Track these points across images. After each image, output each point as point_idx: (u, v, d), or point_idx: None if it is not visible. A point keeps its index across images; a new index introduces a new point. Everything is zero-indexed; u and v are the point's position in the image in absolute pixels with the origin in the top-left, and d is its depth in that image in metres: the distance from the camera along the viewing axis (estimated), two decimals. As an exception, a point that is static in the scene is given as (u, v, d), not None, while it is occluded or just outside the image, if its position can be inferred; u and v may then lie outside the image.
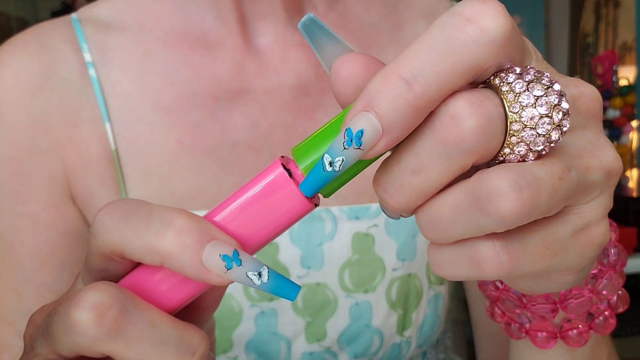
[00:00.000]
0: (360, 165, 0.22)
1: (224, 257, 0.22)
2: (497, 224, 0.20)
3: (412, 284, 0.48)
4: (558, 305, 0.30)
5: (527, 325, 0.32)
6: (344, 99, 0.22)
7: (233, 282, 0.23)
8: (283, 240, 0.46)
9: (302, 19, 0.24)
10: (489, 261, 0.21)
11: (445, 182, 0.21)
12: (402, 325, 0.48)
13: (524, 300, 0.31)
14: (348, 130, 0.20)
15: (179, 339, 0.23)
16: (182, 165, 0.46)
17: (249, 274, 0.22)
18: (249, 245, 0.24)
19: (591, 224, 0.22)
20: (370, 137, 0.20)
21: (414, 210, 0.22)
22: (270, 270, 0.23)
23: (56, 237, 0.46)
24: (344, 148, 0.20)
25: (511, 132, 0.20)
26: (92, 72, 0.47)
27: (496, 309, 0.33)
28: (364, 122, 0.20)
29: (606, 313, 0.31)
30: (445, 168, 0.20)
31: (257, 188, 0.23)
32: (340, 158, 0.21)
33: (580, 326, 0.31)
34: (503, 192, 0.19)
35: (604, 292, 0.30)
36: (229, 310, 0.45)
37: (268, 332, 0.46)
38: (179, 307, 0.25)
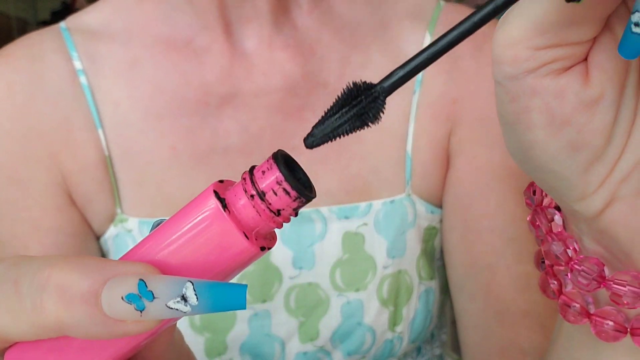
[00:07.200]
0: None
1: (128, 297, 0.17)
2: None
3: (402, 280, 0.49)
4: None
5: (592, 309, 0.25)
6: None
7: (160, 323, 0.17)
8: None
9: None
10: None
11: None
12: (394, 322, 0.48)
13: (605, 274, 0.24)
14: None
15: None
16: (176, 171, 0.47)
17: (171, 303, 0.17)
18: None
19: None
20: None
21: None
22: (196, 283, 0.17)
23: (64, 239, 0.46)
24: None
25: None
26: (82, 79, 0.47)
27: (551, 283, 0.26)
28: None
29: None
30: None
31: (186, 223, 0.18)
32: None
33: None
34: None
35: None
36: (222, 313, 0.46)
37: (262, 334, 0.47)
38: None
